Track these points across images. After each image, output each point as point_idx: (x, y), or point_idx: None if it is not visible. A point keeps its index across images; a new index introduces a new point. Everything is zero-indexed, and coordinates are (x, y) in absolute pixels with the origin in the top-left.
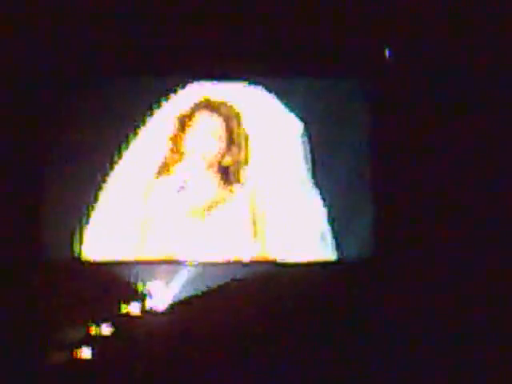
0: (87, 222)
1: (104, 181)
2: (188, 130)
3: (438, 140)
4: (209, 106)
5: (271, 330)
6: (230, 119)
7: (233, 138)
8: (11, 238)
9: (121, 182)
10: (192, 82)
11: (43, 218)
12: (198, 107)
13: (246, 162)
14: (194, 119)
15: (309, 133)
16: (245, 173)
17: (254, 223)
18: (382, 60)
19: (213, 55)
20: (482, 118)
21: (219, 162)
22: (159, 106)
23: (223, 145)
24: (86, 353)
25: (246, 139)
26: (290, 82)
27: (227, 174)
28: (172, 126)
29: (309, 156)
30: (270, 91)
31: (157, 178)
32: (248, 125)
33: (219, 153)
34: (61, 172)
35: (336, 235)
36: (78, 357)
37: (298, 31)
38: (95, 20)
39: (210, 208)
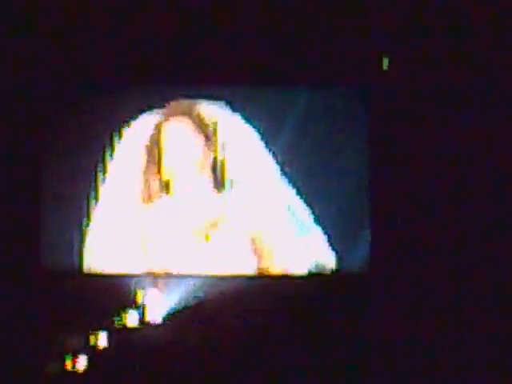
0: (85, 235)
1: (97, 197)
2: (160, 148)
3: (436, 148)
4: (170, 113)
5: (269, 341)
6: (190, 114)
7: (206, 133)
8: (12, 249)
9: (110, 203)
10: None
11: (43, 231)
12: (158, 126)
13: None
14: (161, 137)
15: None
16: (229, 173)
17: (253, 241)
18: (381, 69)
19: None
20: (480, 125)
21: (207, 161)
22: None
23: (201, 141)
24: (83, 362)
25: (215, 125)
26: (289, 91)
27: (217, 175)
28: (141, 158)
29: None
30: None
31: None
32: (209, 116)
33: (201, 151)
34: (59, 185)
35: (334, 247)
36: (76, 365)
37: (297, 40)
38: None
39: (210, 228)
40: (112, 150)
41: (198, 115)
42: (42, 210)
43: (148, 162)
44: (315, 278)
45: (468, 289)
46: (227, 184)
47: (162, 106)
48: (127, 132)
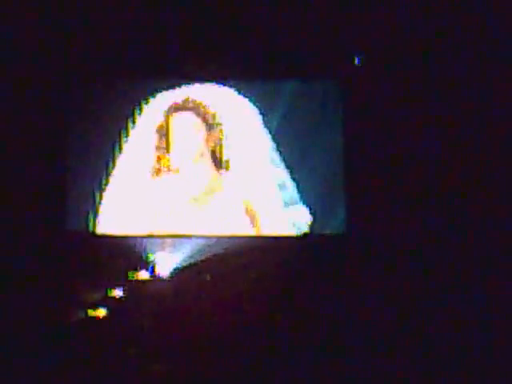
0: (101, 202)
1: (112, 167)
2: (169, 136)
3: (402, 120)
4: (175, 108)
5: (259, 292)
6: (198, 108)
7: (208, 123)
8: (39, 213)
9: (124, 174)
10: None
11: (67, 198)
12: (167, 114)
13: (222, 144)
14: (169, 124)
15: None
16: (227, 155)
17: (246, 208)
18: (353, 64)
19: (194, 59)
20: (444, 111)
21: (208, 148)
22: (135, 116)
23: (204, 131)
24: (102, 312)
25: (215, 117)
26: (270, 85)
27: (216, 159)
28: (154, 137)
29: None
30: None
31: (155, 176)
32: (212, 107)
33: (204, 140)
34: (78, 159)
35: (314, 213)
36: (96, 315)
37: (276, 36)
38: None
39: (207, 195)
40: (128, 128)
41: (203, 109)
42: (66, 179)
43: (158, 142)
44: (301, 239)
45: (440, 250)
46: (224, 164)
47: (172, 88)
48: (142, 114)
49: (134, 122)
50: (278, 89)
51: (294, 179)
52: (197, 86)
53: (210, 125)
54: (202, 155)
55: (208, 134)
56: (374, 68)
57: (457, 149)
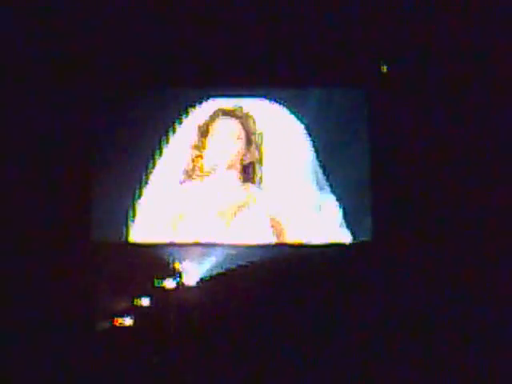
0: (133, 211)
1: (147, 179)
2: (208, 137)
3: (431, 132)
4: (224, 112)
5: (284, 301)
6: (246, 120)
7: (250, 138)
8: (68, 222)
9: (159, 182)
10: (208, 99)
11: (95, 209)
12: (214, 115)
13: (261, 162)
14: (212, 126)
15: (312, 135)
16: (261, 172)
17: (273, 222)
18: (379, 72)
19: (228, 72)
20: (470, 123)
21: (240, 161)
22: (181, 120)
23: (242, 144)
24: (128, 321)
25: (261, 138)
26: (297, 93)
27: (247, 174)
28: (194, 136)
29: (314, 155)
30: (278, 102)
31: (186, 180)
32: (261, 126)
33: (239, 152)
34: (110, 170)
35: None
36: (122, 325)
37: (302, 45)
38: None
39: (234, 212)
40: (167, 136)
41: (250, 122)
42: (93, 188)
43: (197, 142)
44: (330, 248)
45: (466, 267)
46: (256, 179)
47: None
48: (186, 119)
49: (174, 131)
50: (304, 97)
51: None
52: (247, 99)
53: (252, 140)
54: (233, 166)
55: (246, 149)
56: (401, 76)
57: (485, 160)
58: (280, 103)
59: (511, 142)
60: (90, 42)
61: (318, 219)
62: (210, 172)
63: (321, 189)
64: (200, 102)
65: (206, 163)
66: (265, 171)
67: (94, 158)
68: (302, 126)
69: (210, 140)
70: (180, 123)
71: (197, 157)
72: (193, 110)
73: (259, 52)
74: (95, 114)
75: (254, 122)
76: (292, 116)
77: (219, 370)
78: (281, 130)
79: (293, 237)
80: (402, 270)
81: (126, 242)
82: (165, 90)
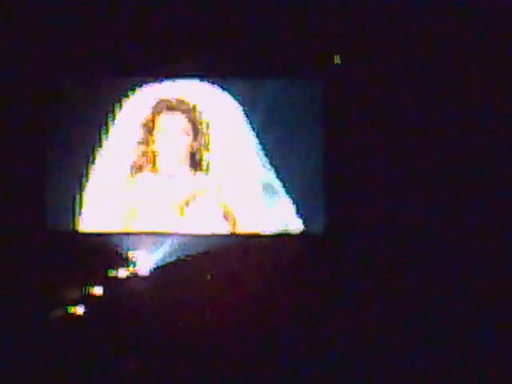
0: (81, 201)
1: (90, 170)
2: (154, 133)
3: (383, 129)
4: (167, 107)
5: (234, 292)
6: (190, 112)
7: (197, 129)
8: (23, 212)
9: (105, 174)
10: (152, 82)
11: (47, 196)
12: (157, 110)
13: (208, 149)
14: (157, 122)
15: (266, 126)
16: (208, 159)
17: (225, 211)
18: (333, 63)
19: (178, 55)
20: (424, 115)
21: (188, 152)
22: (120, 106)
23: (189, 137)
24: (80, 310)
25: (208, 127)
26: (251, 83)
27: (195, 162)
28: (138, 133)
29: (261, 144)
30: (226, 89)
31: (136, 172)
32: (207, 115)
33: (187, 144)
34: (58, 159)
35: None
36: (75, 313)
37: (253, 34)
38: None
39: (186, 201)
40: (108, 124)
41: (195, 115)
42: (46, 176)
43: (143, 138)
44: (281, 238)
45: (424, 248)
46: (204, 167)
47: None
48: (123, 109)
49: (114, 118)
50: (260, 88)
51: (278, 178)
52: (181, 81)
53: (198, 131)
54: (182, 157)
55: (194, 140)
56: (355, 67)
57: (441, 148)
58: (232, 94)
59: (464, 131)
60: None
61: (269, 209)
62: (159, 165)
63: (270, 176)
64: (133, 91)
65: (157, 159)
66: (212, 159)
67: (45, 149)
68: (241, 109)
69: (156, 136)
70: (114, 116)
71: (145, 152)
72: (126, 100)
73: (211, 42)
74: (44, 104)
75: (199, 113)
76: (235, 101)
77: (170, 356)
78: (226, 117)
79: (245, 225)
80: (353, 261)
81: (79, 232)
82: (106, 78)
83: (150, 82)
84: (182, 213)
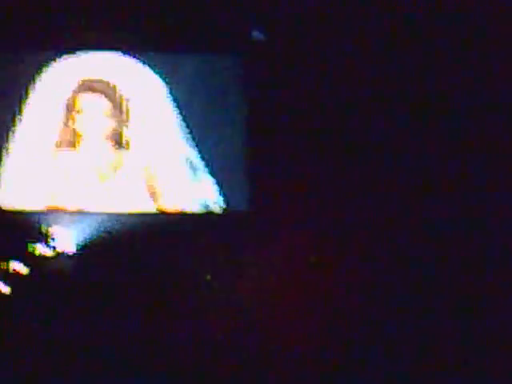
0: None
1: (8, 146)
2: (75, 114)
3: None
4: (88, 88)
5: (158, 269)
6: (111, 92)
7: (117, 107)
8: None
9: (24, 150)
10: (69, 53)
11: None
12: (78, 91)
13: (129, 126)
14: (78, 103)
15: (188, 101)
16: (130, 136)
17: (148, 183)
18: (253, 39)
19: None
20: (344, 91)
21: (109, 130)
22: (39, 80)
23: (110, 117)
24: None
25: (128, 104)
26: (172, 57)
27: (117, 139)
28: (59, 111)
29: (183, 120)
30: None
31: (57, 150)
32: (125, 92)
33: (108, 124)
34: None
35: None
36: None
37: (173, 6)
38: None
39: (108, 173)
40: (24, 100)
41: (116, 94)
42: None
43: (65, 118)
44: (204, 216)
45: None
46: (124, 144)
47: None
48: (40, 84)
49: (31, 95)
50: (181, 63)
51: (200, 155)
52: (101, 58)
53: (120, 110)
54: (106, 136)
55: (115, 119)
56: (275, 44)
57: (360, 122)
58: (153, 69)
59: (382, 107)
60: None
61: (193, 186)
62: (80, 143)
63: (193, 153)
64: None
65: (76, 135)
66: (134, 136)
67: None
68: (162, 84)
69: (77, 115)
70: (38, 87)
71: (66, 130)
72: (43, 75)
73: (130, 16)
74: None
75: (120, 92)
76: (157, 77)
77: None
78: (147, 93)
79: (169, 203)
80: (278, 241)
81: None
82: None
83: (68, 57)
84: (104, 189)
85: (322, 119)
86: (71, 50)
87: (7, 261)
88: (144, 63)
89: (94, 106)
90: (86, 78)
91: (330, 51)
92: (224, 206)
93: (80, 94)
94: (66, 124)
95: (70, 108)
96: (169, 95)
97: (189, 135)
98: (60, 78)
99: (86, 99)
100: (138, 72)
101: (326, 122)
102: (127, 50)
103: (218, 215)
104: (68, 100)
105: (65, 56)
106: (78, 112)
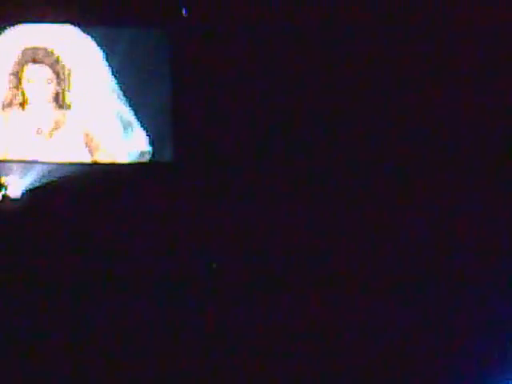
0: None
1: None
2: (23, 82)
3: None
4: (33, 58)
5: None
6: (54, 63)
7: (59, 76)
8: None
9: None
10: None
11: None
12: (23, 61)
13: (69, 88)
14: (24, 72)
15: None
16: (71, 98)
17: (86, 139)
18: (180, 15)
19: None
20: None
21: (52, 94)
22: None
23: (53, 84)
24: None
25: (69, 73)
26: (110, 30)
27: (59, 101)
28: (7, 78)
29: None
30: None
31: (4, 108)
32: (67, 60)
33: (51, 90)
34: None
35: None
36: None
37: None
38: None
39: (52, 130)
40: None
41: (59, 65)
42: None
43: (11, 83)
44: (136, 165)
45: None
46: (66, 106)
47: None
48: None
49: None
50: (118, 35)
51: (133, 112)
52: (44, 28)
53: (64, 77)
54: (50, 99)
55: (58, 85)
56: (203, 20)
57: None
58: (94, 38)
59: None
60: None
61: (125, 139)
62: (27, 105)
63: (126, 110)
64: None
65: (23, 98)
66: (74, 97)
67: None
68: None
69: (24, 83)
70: None
71: (15, 93)
72: None
73: None
74: None
75: (63, 62)
76: (96, 46)
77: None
78: (87, 60)
79: (105, 154)
80: (201, 192)
81: None
82: None
83: (11, 27)
84: (48, 142)
85: (241, 76)
86: (16, 22)
87: None
88: (87, 33)
89: (40, 76)
90: (32, 47)
91: (258, 29)
92: (151, 157)
93: (26, 64)
94: (13, 88)
95: (17, 76)
96: (106, 62)
97: (122, 96)
98: (7, 47)
99: (31, 69)
100: (80, 41)
101: (246, 78)
102: (69, 22)
103: (144, 164)
104: (13, 69)
105: (10, 27)
106: (24, 80)
